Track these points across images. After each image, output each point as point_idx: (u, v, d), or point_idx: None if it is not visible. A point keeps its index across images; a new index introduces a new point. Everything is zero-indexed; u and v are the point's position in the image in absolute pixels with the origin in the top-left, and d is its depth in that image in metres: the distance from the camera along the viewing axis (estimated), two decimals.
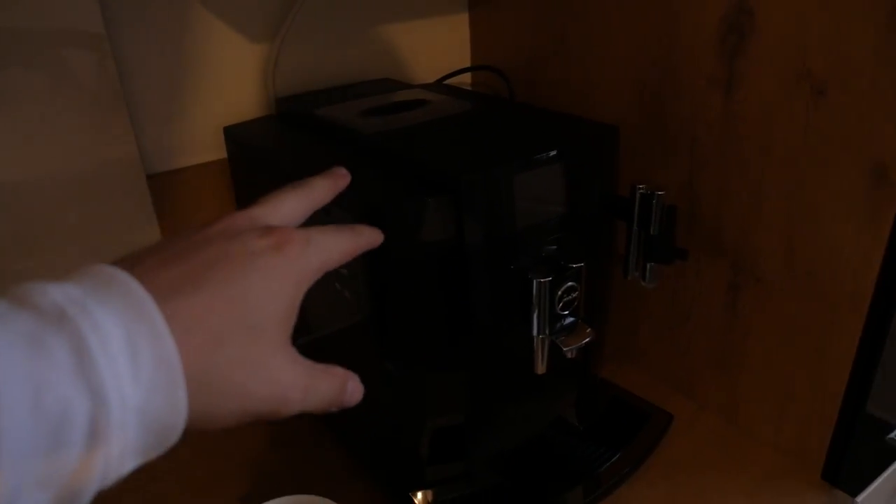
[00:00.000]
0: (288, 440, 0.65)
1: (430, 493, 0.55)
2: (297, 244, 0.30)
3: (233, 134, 0.63)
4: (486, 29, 0.79)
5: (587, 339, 0.50)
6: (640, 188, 0.52)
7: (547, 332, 0.49)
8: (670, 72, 0.59)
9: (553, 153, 0.48)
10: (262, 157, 0.59)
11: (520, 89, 0.75)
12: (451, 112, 0.58)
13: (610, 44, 0.64)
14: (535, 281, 0.47)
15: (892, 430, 0.68)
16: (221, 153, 0.67)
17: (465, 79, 0.84)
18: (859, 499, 0.62)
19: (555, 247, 0.51)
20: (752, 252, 0.58)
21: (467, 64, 0.82)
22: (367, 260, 0.44)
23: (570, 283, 0.48)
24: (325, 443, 0.64)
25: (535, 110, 0.60)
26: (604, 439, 0.59)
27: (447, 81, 0.77)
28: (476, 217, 0.45)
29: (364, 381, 0.53)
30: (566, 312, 0.49)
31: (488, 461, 0.58)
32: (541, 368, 0.51)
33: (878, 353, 0.52)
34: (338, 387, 0.32)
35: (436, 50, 0.80)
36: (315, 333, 0.56)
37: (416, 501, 0.54)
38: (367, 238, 0.37)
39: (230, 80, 0.67)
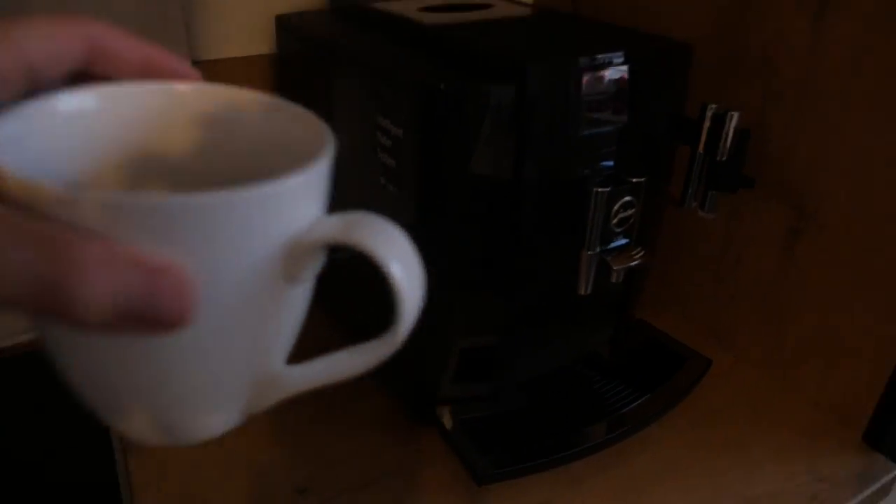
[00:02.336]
0: (306, 350, 0.64)
1: (453, 409, 0.53)
2: None
3: (284, 22, 0.60)
4: None
5: (637, 262, 0.47)
6: (712, 107, 0.48)
7: (598, 248, 0.46)
8: None
9: (620, 57, 0.44)
10: (315, 46, 0.56)
11: (592, 10, 0.71)
12: (516, 15, 0.55)
13: None
14: (594, 190, 0.44)
15: None
16: (270, 47, 0.64)
17: None
18: None
19: (612, 162, 0.48)
20: (818, 196, 0.54)
21: None
22: (416, 153, 0.42)
23: (627, 198, 0.45)
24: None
25: (603, 24, 0.57)
26: (636, 379, 0.57)
27: None
28: (539, 113, 0.42)
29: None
30: (620, 230, 0.46)
31: (516, 385, 0.56)
32: (584, 289, 0.48)
33: None
34: (51, 263, 0.17)
35: None
36: None
37: (439, 418, 0.53)
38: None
39: None
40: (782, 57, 0.54)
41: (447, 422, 0.52)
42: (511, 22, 0.53)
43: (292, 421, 0.55)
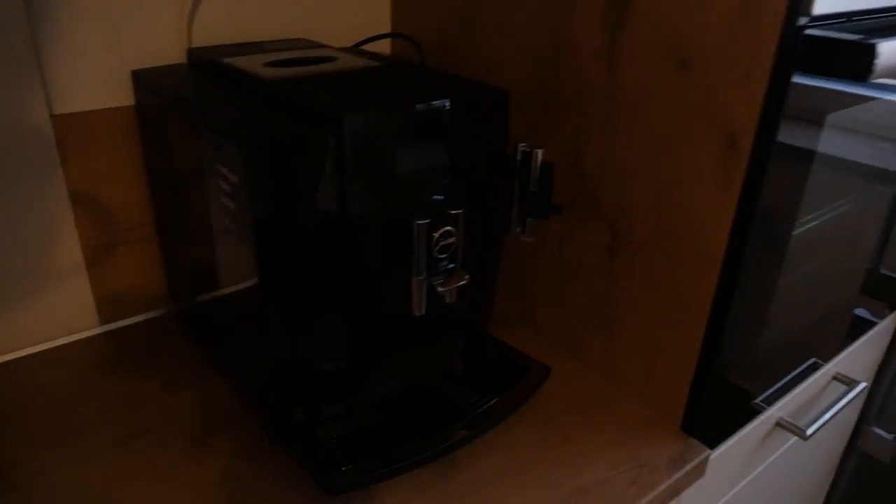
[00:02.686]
0: (176, 380, 0.66)
1: (309, 429, 0.57)
2: None
3: (141, 78, 0.63)
4: (404, 0, 0.82)
5: (462, 282, 0.53)
6: (521, 145, 0.56)
7: (424, 274, 0.52)
8: (563, 44, 0.63)
9: (438, 104, 0.51)
10: (168, 101, 0.60)
11: (433, 58, 0.78)
12: (355, 67, 0.61)
13: (512, 16, 0.67)
14: (414, 223, 0.50)
15: (762, 395, 0.75)
16: (132, 99, 0.68)
17: (386, 48, 0.86)
18: (715, 451, 0.67)
19: (440, 196, 0.54)
20: (627, 216, 0.62)
21: (388, 32, 0.84)
22: (251, 195, 0.46)
23: (447, 228, 0.51)
24: (214, 382, 0.66)
25: (437, 73, 0.63)
26: (484, 387, 0.63)
27: (364, 47, 0.79)
28: (358, 157, 0.48)
29: (249, 319, 0.55)
30: (443, 256, 0.52)
31: (372, 401, 0.60)
32: (419, 310, 0.54)
33: (729, 307, 0.57)
34: None
35: (356, 18, 0.82)
36: (206, 270, 0.58)
37: (296, 438, 0.56)
38: None
39: (143, 28, 0.68)
40: (588, 98, 0.62)
41: (302, 441, 0.56)
42: (350, 74, 0.59)
43: (153, 453, 0.58)
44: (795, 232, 0.65)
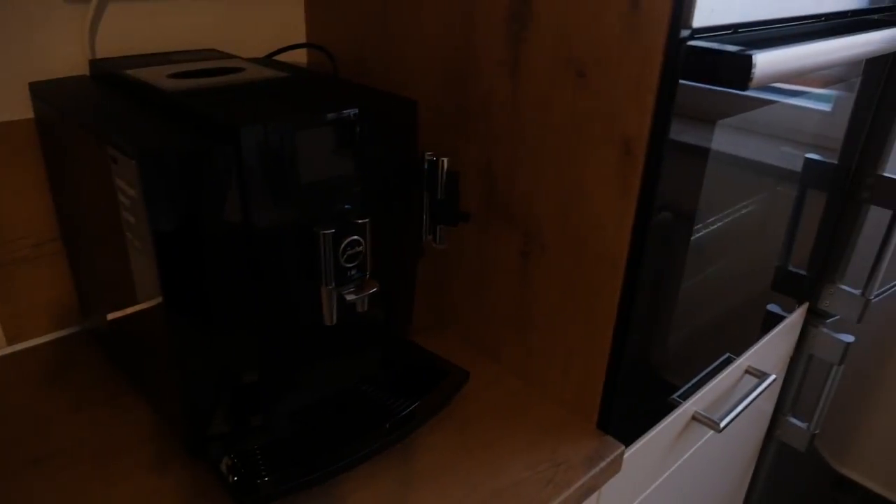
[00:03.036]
0: (88, 399, 0.64)
1: (225, 443, 0.56)
2: None
3: (39, 90, 0.62)
4: (320, 10, 0.82)
5: (372, 290, 0.53)
6: (428, 155, 0.56)
7: (333, 283, 0.52)
8: (470, 56, 0.64)
9: (344, 114, 0.51)
10: (65, 113, 0.59)
11: (348, 69, 0.79)
12: (263, 78, 0.61)
13: (422, 28, 0.68)
14: (320, 233, 0.50)
15: (677, 391, 0.77)
16: (31, 112, 0.66)
17: (301, 58, 0.86)
18: (633, 446, 0.69)
19: (348, 206, 0.54)
20: (537, 222, 0.64)
21: (303, 42, 0.84)
22: (151, 210, 0.46)
23: (353, 237, 0.52)
24: (128, 400, 0.64)
25: (346, 83, 0.64)
26: (405, 392, 0.63)
27: (277, 58, 0.79)
28: (258, 168, 0.48)
29: (158, 334, 0.54)
30: (351, 265, 0.53)
31: (290, 412, 0.60)
32: (330, 320, 0.54)
33: (634, 308, 0.59)
34: None
35: (270, 27, 0.82)
36: (115, 286, 0.57)
37: (210, 453, 0.56)
38: None
39: (42, 39, 0.66)
40: (495, 109, 0.64)
41: (217, 455, 0.55)
42: (255, 85, 0.59)
43: (64, 475, 0.56)
44: (700, 233, 0.68)
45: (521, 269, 0.67)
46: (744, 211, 0.78)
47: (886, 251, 0.95)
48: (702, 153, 0.59)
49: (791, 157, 0.83)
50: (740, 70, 0.49)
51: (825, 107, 0.88)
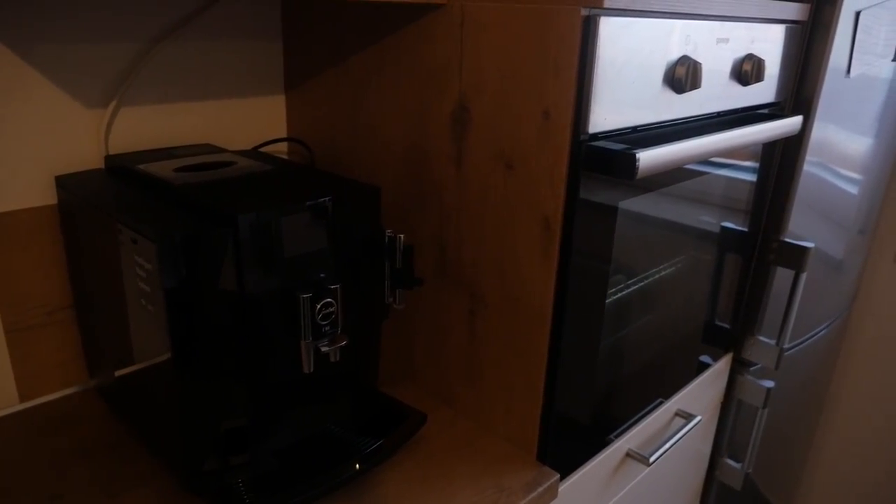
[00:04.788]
0: (93, 446, 0.74)
1: (218, 478, 0.66)
2: None
3: (64, 182, 0.74)
4: (299, 108, 0.97)
5: (342, 343, 0.65)
6: (388, 232, 0.70)
7: (310, 338, 0.64)
8: (424, 149, 0.79)
9: (317, 201, 0.64)
10: (88, 202, 0.71)
11: (324, 160, 0.93)
12: (252, 171, 0.74)
13: (386, 125, 0.83)
14: (300, 297, 0.62)
15: (612, 430, 0.89)
16: (55, 199, 0.78)
17: (283, 149, 1.00)
18: (572, 477, 0.80)
19: (323, 274, 0.67)
20: (480, 284, 0.77)
21: (284, 136, 0.98)
22: (163, 280, 0.58)
23: (327, 300, 0.64)
24: (128, 446, 0.74)
25: (323, 173, 0.77)
26: (370, 433, 0.74)
27: (262, 150, 0.93)
28: (252, 246, 0.60)
29: (161, 385, 0.65)
30: (326, 322, 0.65)
31: (274, 450, 0.70)
32: (307, 368, 0.65)
33: (559, 354, 0.72)
34: None
35: (256, 123, 0.96)
36: (128, 340, 0.68)
37: (206, 487, 0.66)
38: None
39: (66, 139, 0.79)
40: (445, 192, 0.78)
41: (212, 487, 0.65)
42: (246, 177, 0.72)
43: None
44: (623, 291, 0.81)
45: (469, 324, 0.80)
46: (666, 271, 0.92)
47: (793, 306, 1.09)
48: (610, 225, 0.73)
49: (712, 224, 0.98)
50: (627, 165, 0.64)
51: (752, 177, 1.04)
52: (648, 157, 0.64)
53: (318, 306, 0.63)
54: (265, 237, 0.61)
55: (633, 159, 0.63)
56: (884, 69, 1.17)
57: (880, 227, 1.55)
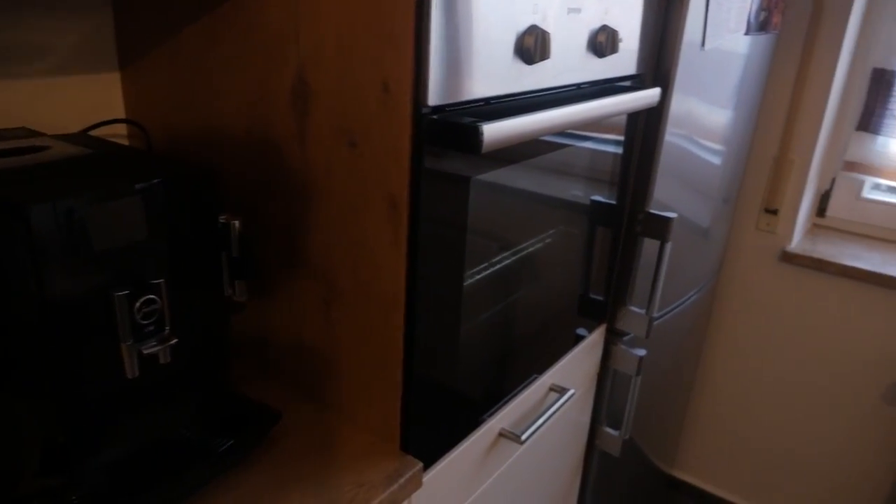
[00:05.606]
0: None
1: (35, 501, 0.59)
2: None
3: None
4: (136, 87, 0.88)
5: (169, 343, 0.59)
6: (221, 218, 0.64)
7: (131, 340, 0.57)
8: (267, 128, 0.73)
9: (132, 187, 0.58)
10: None
11: (164, 143, 0.85)
12: (65, 156, 0.66)
13: (225, 102, 0.76)
14: (114, 294, 0.56)
15: (482, 412, 0.87)
16: None
17: (123, 132, 0.91)
18: (439, 463, 0.78)
19: (147, 268, 0.60)
20: (333, 271, 0.72)
21: (122, 117, 0.89)
22: None
23: (148, 296, 0.57)
24: None
25: (151, 156, 0.70)
26: (220, 434, 0.69)
27: (94, 133, 0.83)
28: (50, 241, 0.53)
29: None
30: (148, 322, 0.58)
31: (108, 464, 0.64)
32: (131, 373, 0.59)
33: (414, 339, 0.69)
34: None
35: (87, 104, 0.87)
36: None
37: None
38: None
39: None
40: (290, 174, 0.72)
41: None
42: (58, 163, 0.64)
43: None
44: (488, 270, 0.79)
45: (324, 314, 0.75)
46: (538, 245, 0.91)
47: (660, 275, 1.12)
48: (462, 201, 0.71)
49: (582, 197, 0.97)
50: (471, 138, 0.61)
51: (619, 150, 1.04)
52: (494, 130, 0.62)
53: (138, 304, 0.57)
54: (67, 230, 0.54)
55: (477, 132, 0.60)
56: (738, 44, 1.21)
57: (742, 196, 1.62)
